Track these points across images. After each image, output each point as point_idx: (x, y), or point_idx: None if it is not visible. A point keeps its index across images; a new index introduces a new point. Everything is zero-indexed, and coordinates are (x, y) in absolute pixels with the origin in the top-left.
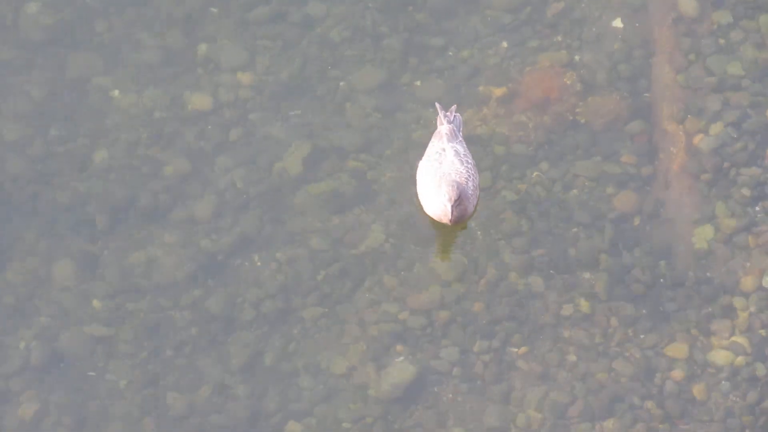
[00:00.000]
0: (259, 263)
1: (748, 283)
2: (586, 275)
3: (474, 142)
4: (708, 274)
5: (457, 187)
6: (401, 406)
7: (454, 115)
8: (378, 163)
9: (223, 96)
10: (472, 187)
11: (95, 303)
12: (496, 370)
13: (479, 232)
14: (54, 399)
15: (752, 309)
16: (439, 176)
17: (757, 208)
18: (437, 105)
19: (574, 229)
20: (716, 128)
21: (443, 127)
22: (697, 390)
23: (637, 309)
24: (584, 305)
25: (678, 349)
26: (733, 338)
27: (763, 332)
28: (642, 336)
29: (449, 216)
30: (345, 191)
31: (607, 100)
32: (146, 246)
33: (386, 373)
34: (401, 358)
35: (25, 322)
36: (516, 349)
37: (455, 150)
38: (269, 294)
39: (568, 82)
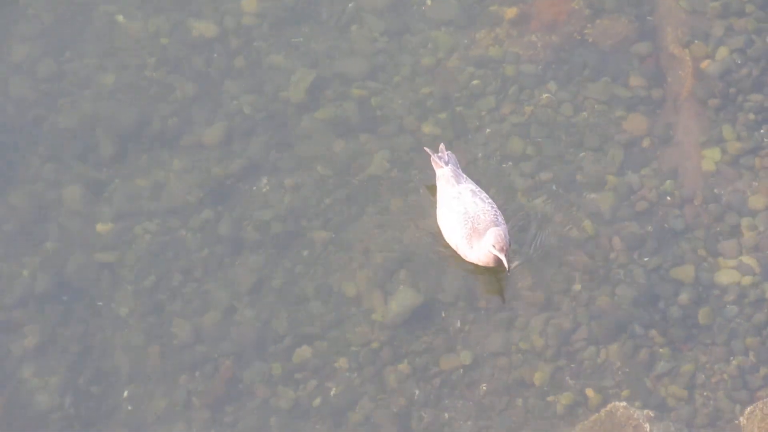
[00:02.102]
0: (266, 188)
1: (755, 202)
2: (592, 196)
3: (484, 64)
4: (716, 192)
5: (504, 234)
6: (407, 331)
7: (447, 154)
8: (384, 89)
9: (228, 23)
10: (502, 221)
11: (102, 228)
12: (500, 297)
13: (480, 155)
14: (59, 328)
15: (760, 228)
16: (471, 223)
17: (762, 131)
18: (427, 150)
19: (582, 153)
20: (722, 53)
21: (445, 170)
22: (702, 313)
23: (643, 228)
24: (589, 228)
25: (684, 271)
26: (741, 258)
27: None
28: (647, 257)
29: (507, 265)
30: (350, 118)
31: (615, 22)
32: (154, 171)
33: (392, 299)
34: (406, 284)
35: (30, 248)
36: (519, 281)
37: (470, 190)
38: (277, 218)
39: (576, 7)
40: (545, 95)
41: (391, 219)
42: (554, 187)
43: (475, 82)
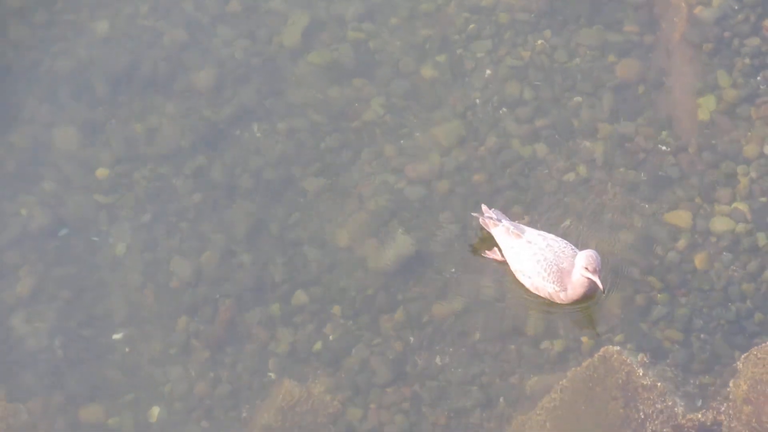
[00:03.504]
0: (259, 134)
1: (749, 150)
2: (587, 143)
3: (478, 11)
4: (711, 141)
5: (595, 255)
6: (402, 278)
7: (493, 211)
8: (380, 32)
9: None
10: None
11: (98, 171)
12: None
13: (478, 101)
14: (54, 268)
15: (753, 175)
16: (556, 266)
17: (759, 78)
18: (475, 214)
19: (577, 98)
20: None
21: (501, 227)
22: (699, 259)
23: (639, 175)
24: (584, 172)
25: (680, 217)
26: (735, 204)
27: (764, 199)
28: (643, 204)
29: (602, 286)
30: (345, 62)
31: None
32: (148, 115)
33: (386, 246)
34: (401, 230)
35: (26, 188)
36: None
37: (537, 235)
38: (270, 163)
39: None
40: (539, 41)
41: (386, 165)
42: (552, 134)
43: (471, 26)
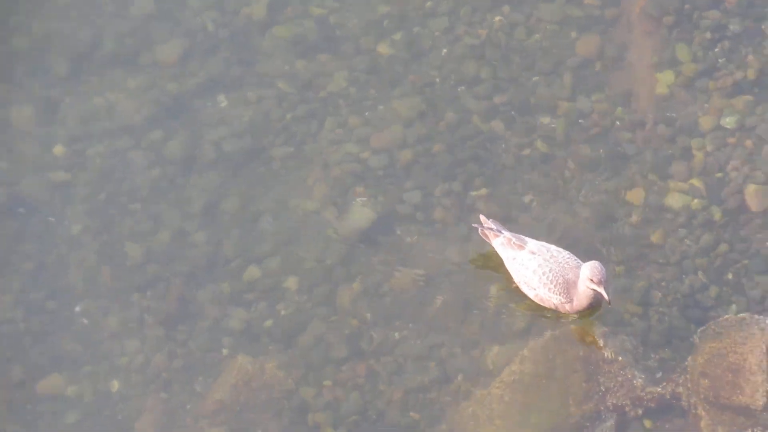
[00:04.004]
0: (224, 103)
1: (705, 123)
2: (546, 120)
3: None
4: (669, 115)
5: (599, 266)
6: (363, 248)
7: (491, 222)
8: (341, 8)
9: None
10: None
11: (56, 148)
12: (457, 213)
13: (437, 79)
14: (14, 244)
15: (708, 148)
16: (562, 277)
17: (718, 51)
18: (475, 225)
19: (535, 78)
20: None
21: (501, 239)
22: (655, 234)
23: (595, 151)
24: (543, 148)
25: (636, 192)
26: (690, 181)
27: (719, 174)
28: (600, 180)
29: (608, 297)
30: (309, 36)
31: None
32: (108, 90)
33: (348, 215)
34: (363, 199)
35: None
36: (476, 192)
37: (539, 246)
38: (235, 134)
39: None
40: (498, 18)
41: (350, 135)
42: (510, 110)
43: (428, 3)
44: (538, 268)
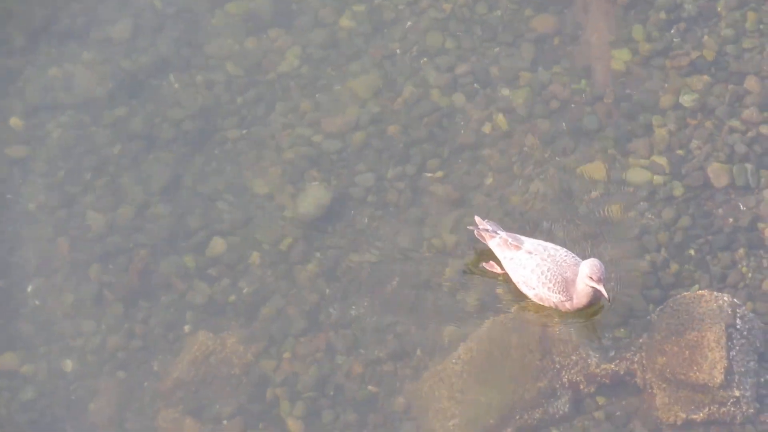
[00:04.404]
0: (176, 85)
1: (665, 101)
2: (506, 92)
3: None
4: (627, 91)
5: (599, 264)
6: (318, 229)
7: (486, 222)
8: None
9: None
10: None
11: (12, 120)
12: (411, 195)
13: (398, 51)
14: None
15: (670, 127)
16: (560, 276)
17: (673, 32)
18: (470, 227)
19: (497, 48)
20: None
21: (498, 239)
22: (614, 209)
23: (555, 126)
24: (503, 122)
25: (596, 167)
26: (652, 157)
27: (680, 152)
28: (559, 156)
29: (607, 295)
30: (263, 11)
31: None
32: (65, 63)
33: (302, 197)
34: (316, 182)
35: None
36: (431, 174)
37: (536, 245)
38: (189, 115)
39: None
40: None
41: (302, 117)
42: (471, 82)
43: None
44: (536, 268)
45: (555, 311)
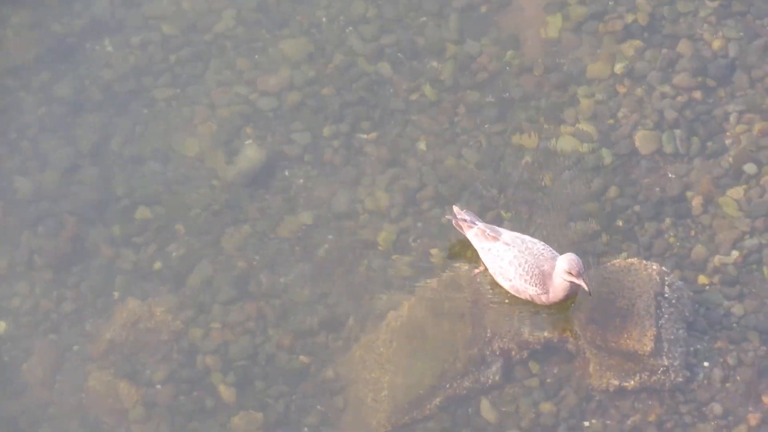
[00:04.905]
0: (110, 47)
1: (595, 69)
2: (434, 63)
3: None
4: (557, 60)
5: (576, 258)
6: (251, 190)
7: (465, 212)
8: None
9: None
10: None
11: None
12: (345, 155)
13: (324, 19)
14: None
15: (598, 95)
16: (537, 268)
17: None
18: (448, 217)
19: (423, 18)
20: None
21: (476, 229)
22: (544, 178)
23: (484, 96)
24: (431, 93)
25: (525, 137)
26: (581, 125)
27: (610, 121)
28: (489, 124)
29: (588, 289)
30: None
31: None
32: None
33: (237, 157)
34: (250, 141)
35: None
36: (365, 135)
37: (514, 237)
38: (120, 76)
39: None
40: None
41: (238, 76)
42: (397, 52)
43: None
44: (514, 260)
45: (530, 303)
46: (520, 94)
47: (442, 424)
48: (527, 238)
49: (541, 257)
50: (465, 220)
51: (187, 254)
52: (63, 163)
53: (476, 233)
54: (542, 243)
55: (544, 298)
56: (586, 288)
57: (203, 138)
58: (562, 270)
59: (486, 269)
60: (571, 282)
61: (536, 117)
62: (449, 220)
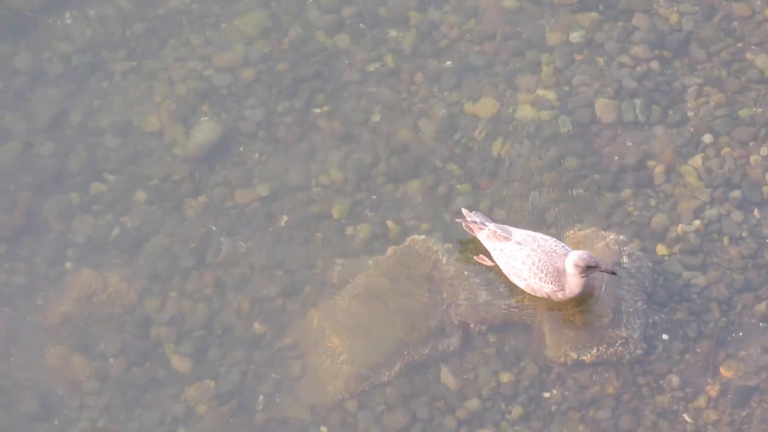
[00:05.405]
0: (69, 20)
1: (553, 38)
2: (394, 33)
3: None
4: (516, 29)
5: (583, 253)
6: (207, 165)
7: (474, 214)
8: None
9: None
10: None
11: None
12: (300, 131)
13: None
14: None
15: (557, 63)
16: (551, 266)
17: None
18: (459, 220)
19: None
20: None
21: (487, 231)
22: (501, 148)
23: (443, 64)
24: (390, 61)
25: (484, 105)
26: (540, 93)
27: (567, 87)
28: (447, 92)
29: (609, 269)
30: None
31: None
32: None
33: (193, 132)
34: (207, 117)
35: None
36: (319, 110)
37: (525, 236)
38: (78, 49)
39: None
40: None
41: (193, 52)
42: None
43: None
44: (527, 259)
45: (548, 300)
46: (480, 62)
47: (402, 390)
48: (539, 235)
49: (554, 254)
50: (475, 222)
51: (143, 224)
52: (21, 137)
53: (487, 234)
54: (554, 239)
55: (560, 295)
56: (608, 270)
57: (161, 113)
58: (575, 269)
59: (495, 264)
60: (588, 276)
61: (495, 84)
62: (459, 223)
